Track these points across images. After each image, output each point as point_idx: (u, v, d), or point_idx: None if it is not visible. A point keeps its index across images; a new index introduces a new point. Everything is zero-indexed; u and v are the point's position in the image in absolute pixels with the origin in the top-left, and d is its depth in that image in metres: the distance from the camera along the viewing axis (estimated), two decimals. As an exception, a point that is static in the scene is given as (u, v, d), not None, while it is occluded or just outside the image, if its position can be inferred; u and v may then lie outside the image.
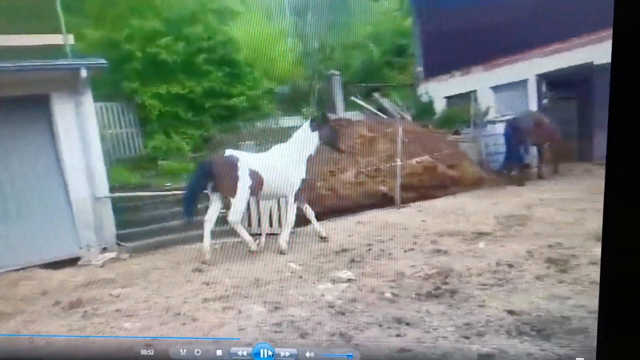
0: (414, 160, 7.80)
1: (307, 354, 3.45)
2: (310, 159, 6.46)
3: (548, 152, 8.03)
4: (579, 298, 4.01)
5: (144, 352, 3.67)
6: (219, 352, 3.54)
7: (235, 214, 6.15)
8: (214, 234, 6.17)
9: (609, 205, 2.78)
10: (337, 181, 7.47)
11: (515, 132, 8.01)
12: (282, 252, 6.02)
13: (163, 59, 8.35)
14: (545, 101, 8.56)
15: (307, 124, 6.56)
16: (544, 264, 4.75)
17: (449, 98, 9.68)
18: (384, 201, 7.21)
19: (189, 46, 8.59)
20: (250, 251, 6.13)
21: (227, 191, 6.17)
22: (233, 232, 6.41)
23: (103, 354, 3.93)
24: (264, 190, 6.30)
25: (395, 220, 6.69)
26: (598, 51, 7.68)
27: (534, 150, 8.13)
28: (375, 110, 9.48)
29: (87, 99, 6.76)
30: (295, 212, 6.32)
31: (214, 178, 6.21)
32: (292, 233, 6.31)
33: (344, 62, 10.17)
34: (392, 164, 7.62)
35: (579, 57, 7.88)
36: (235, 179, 6.15)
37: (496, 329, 3.73)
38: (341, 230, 6.57)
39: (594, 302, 3.84)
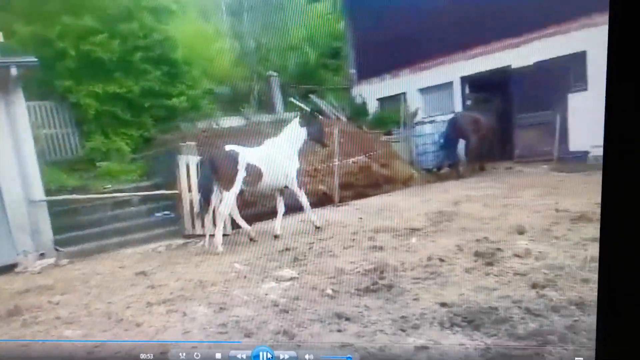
0: (350, 160, 7.97)
1: (307, 357, 3.49)
2: (300, 152, 6.82)
3: (473, 151, 8.44)
4: (505, 289, 4.22)
5: (143, 355, 3.64)
6: (218, 355, 3.53)
7: (227, 207, 6.36)
8: (161, 237, 6.12)
9: (606, 203, 2.73)
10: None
11: (442, 133, 8.36)
12: (276, 237, 6.42)
13: (98, 56, 8.07)
14: (468, 102, 8.98)
15: (296, 120, 6.87)
16: (472, 257, 4.94)
17: (381, 100, 9.93)
18: (324, 200, 7.35)
19: (125, 44, 8.33)
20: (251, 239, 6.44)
21: (225, 184, 6.36)
22: (178, 234, 6.40)
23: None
24: (263, 182, 6.55)
25: (335, 219, 6.82)
26: (514, 55, 8.20)
27: (459, 149, 8.52)
28: (312, 111, 9.61)
29: (18, 98, 6.46)
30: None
31: (216, 172, 6.41)
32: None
33: (281, 64, 10.20)
34: (330, 164, 7.77)
35: (498, 61, 8.35)
36: (234, 173, 6.36)
37: (430, 321, 3.88)
38: (283, 228, 6.62)
39: (518, 293, 4.15)
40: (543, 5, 7.42)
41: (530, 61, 8.04)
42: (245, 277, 5.15)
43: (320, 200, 7.36)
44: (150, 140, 8.59)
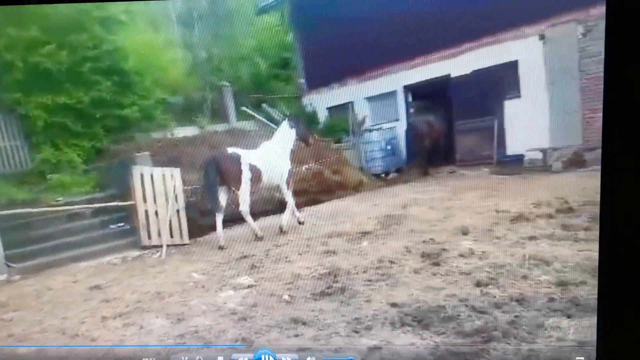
0: (302, 167, 8.04)
1: (309, 359, 3.52)
2: (292, 153, 7.24)
3: (418, 156, 8.68)
4: (451, 288, 4.37)
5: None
6: (220, 359, 3.54)
7: (244, 204, 6.71)
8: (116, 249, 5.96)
9: (605, 203, 2.78)
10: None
11: (388, 139, 8.56)
12: (282, 231, 6.74)
13: (46, 68, 7.78)
14: (412, 110, 9.24)
15: (285, 122, 7.35)
16: (420, 258, 5.08)
17: (330, 109, 10.06)
18: (279, 207, 7.37)
19: (74, 55, 8.07)
20: (257, 237, 6.59)
21: (233, 184, 6.75)
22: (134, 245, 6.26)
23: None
24: (263, 181, 6.94)
25: (290, 225, 6.83)
26: (454, 64, 8.52)
27: (405, 155, 8.75)
28: (265, 120, 9.59)
29: (-37, 111, 6.16)
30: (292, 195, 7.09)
31: (220, 173, 6.71)
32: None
33: (233, 74, 10.15)
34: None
35: (438, 70, 8.64)
36: (239, 173, 6.73)
37: (382, 321, 4.00)
38: (241, 237, 6.61)
39: (464, 291, 4.32)
40: (478, 17, 7.74)
41: (468, 70, 8.37)
42: (203, 286, 5.09)
43: (275, 207, 7.37)
44: (103, 151, 8.33)
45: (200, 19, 10.00)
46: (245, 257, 5.84)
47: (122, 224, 6.81)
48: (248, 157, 6.84)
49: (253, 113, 9.61)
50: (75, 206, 6.92)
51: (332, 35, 8.46)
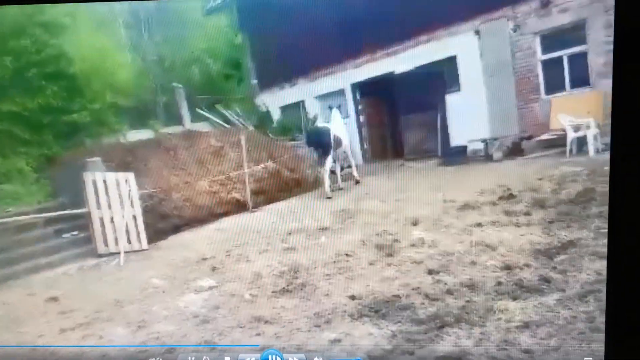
0: (259, 167, 7.92)
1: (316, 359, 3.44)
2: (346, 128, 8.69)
3: (369, 151, 8.78)
4: (404, 277, 4.43)
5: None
6: (227, 359, 3.48)
7: (329, 164, 7.84)
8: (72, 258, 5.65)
9: (614, 206, 2.66)
10: (193, 191, 7.28)
11: (313, 141, 8.58)
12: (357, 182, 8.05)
13: (-10, 75, 7.29)
14: (360, 107, 9.30)
15: (336, 110, 8.70)
16: (375, 250, 5.11)
17: (283, 108, 9.96)
18: (238, 207, 7.23)
19: (18, 61, 7.58)
20: (327, 197, 7.51)
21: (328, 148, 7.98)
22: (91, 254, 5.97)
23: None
24: (341, 148, 8.30)
25: (250, 224, 6.71)
26: (397, 62, 8.63)
27: (357, 150, 8.82)
28: (220, 121, 9.39)
29: None
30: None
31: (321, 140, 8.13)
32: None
33: (185, 75, 9.87)
34: (241, 171, 7.66)
35: (383, 67, 8.72)
36: (329, 141, 8.06)
37: (341, 314, 4.02)
38: (201, 239, 6.42)
39: (416, 280, 4.38)
40: (417, 14, 7.86)
41: (411, 66, 8.49)
42: (164, 291, 4.93)
43: (234, 207, 7.24)
44: (54, 158, 7.89)
45: (148, 21, 9.65)
46: (205, 259, 5.67)
47: (76, 233, 6.45)
48: (333, 129, 8.25)
49: (208, 114, 9.39)
50: (27, 216, 6.51)
51: (280, 35, 8.39)
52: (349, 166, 8.37)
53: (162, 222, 6.62)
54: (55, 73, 7.98)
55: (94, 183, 6.54)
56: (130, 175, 6.77)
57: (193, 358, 3.55)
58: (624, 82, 2.69)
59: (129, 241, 6.38)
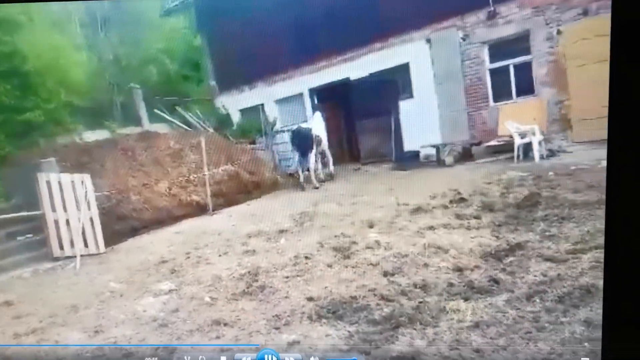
0: (219, 169, 7.78)
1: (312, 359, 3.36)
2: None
3: (326, 155, 8.82)
4: (361, 279, 4.41)
5: (148, 359, 3.43)
6: (223, 358, 3.39)
7: (312, 160, 8.23)
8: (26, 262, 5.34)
9: (610, 208, 2.62)
10: (151, 194, 7.05)
11: (297, 140, 8.59)
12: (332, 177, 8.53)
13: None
14: (317, 112, 9.35)
15: (318, 112, 8.99)
16: (332, 252, 5.08)
17: (242, 111, 9.85)
18: (198, 209, 7.09)
19: (-32, 58, 7.16)
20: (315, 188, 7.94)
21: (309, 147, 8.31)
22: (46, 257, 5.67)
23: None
24: (320, 146, 8.59)
25: (210, 227, 6.55)
26: (352, 68, 8.71)
27: (314, 154, 8.86)
28: (179, 123, 9.17)
29: None
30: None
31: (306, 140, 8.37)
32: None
33: (142, 76, 9.57)
34: (201, 174, 7.50)
35: (338, 73, 8.77)
36: (311, 140, 8.35)
37: (300, 316, 3.99)
38: (160, 241, 6.23)
39: (372, 281, 4.40)
40: (370, 22, 7.95)
41: (365, 73, 8.57)
42: (122, 295, 4.74)
43: (194, 210, 7.08)
44: (7, 159, 7.47)
45: (104, 20, 9.30)
46: (164, 261, 5.50)
47: (30, 235, 6.13)
48: (314, 129, 8.56)
49: (166, 116, 9.14)
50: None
51: (239, 38, 8.29)
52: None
53: (119, 225, 6.41)
54: (8, 71, 7.65)
55: (49, 184, 6.24)
56: (87, 177, 6.52)
57: (189, 357, 3.45)
58: (620, 81, 2.60)
59: (86, 244, 6.13)
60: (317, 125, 8.83)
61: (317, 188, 8.04)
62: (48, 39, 8.39)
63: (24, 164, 7.03)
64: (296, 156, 8.46)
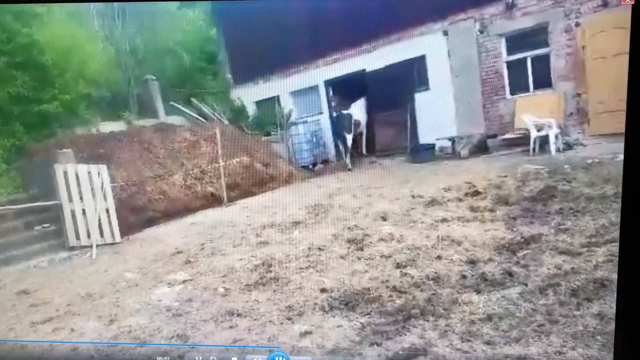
0: (234, 161, 7.82)
1: None
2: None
3: (342, 148, 8.82)
4: (373, 271, 4.43)
5: (159, 358, 3.46)
6: (234, 359, 3.40)
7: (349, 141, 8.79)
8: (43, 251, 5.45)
9: (627, 202, 2.56)
10: (167, 185, 7.13)
11: (313, 132, 8.60)
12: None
13: (-43, 64, 6.95)
14: (333, 104, 9.32)
15: (362, 100, 9.31)
16: (346, 244, 5.10)
17: (257, 103, 9.85)
18: (213, 201, 7.14)
19: (-14, 50, 7.27)
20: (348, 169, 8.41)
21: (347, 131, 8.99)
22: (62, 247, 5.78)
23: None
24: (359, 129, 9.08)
25: (224, 218, 6.60)
26: (368, 60, 8.65)
27: (331, 147, 8.86)
28: (195, 115, 9.21)
29: None
30: None
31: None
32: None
33: (158, 67, 9.63)
34: (216, 165, 7.55)
35: (354, 65, 8.72)
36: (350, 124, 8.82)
37: (312, 307, 4.02)
38: (175, 232, 6.29)
39: (385, 274, 4.40)
40: (388, 14, 7.87)
41: (382, 64, 8.52)
42: (137, 285, 4.83)
43: (209, 201, 7.14)
44: (24, 149, 7.60)
45: (122, 11, 9.37)
46: (179, 252, 5.58)
47: (47, 225, 6.26)
48: (353, 114, 8.90)
49: (182, 108, 9.19)
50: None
51: (254, 31, 8.27)
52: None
53: (135, 216, 6.50)
54: (26, 62, 7.72)
55: (65, 175, 6.36)
56: (103, 168, 6.62)
57: (200, 357, 3.51)
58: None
59: (101, 234, 6.24)
60: (357, 111, 9.12)
61: (350, 170, 8.35)
62: (66, 30, 8.48)
63: (42, 155, 7.16)
64: (310, 147, 8.55)
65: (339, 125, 9.06)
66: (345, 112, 8.99)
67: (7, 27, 7.52)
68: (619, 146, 6.07)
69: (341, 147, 8.96)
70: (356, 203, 6.29)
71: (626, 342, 2.73)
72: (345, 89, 9.16)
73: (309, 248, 5.13)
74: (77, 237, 6.11)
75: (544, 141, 7.11)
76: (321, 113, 9.31)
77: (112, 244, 5.98)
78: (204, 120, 9.07)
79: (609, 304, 3.24)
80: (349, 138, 8.80)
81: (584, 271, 3.73)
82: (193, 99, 9.48)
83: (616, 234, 4.12)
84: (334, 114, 9.32)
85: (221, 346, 3.64)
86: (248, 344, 3.66)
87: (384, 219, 5.67)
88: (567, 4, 7.26)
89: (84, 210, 6.25)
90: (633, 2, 2.67)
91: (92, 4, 9.41)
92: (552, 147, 6.96)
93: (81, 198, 6.32)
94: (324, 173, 8.16)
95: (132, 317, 4.16)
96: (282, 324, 3.85)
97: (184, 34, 9.88)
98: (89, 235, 6.14)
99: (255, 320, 3.92)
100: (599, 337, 3.00)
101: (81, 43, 8.77)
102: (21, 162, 7.40)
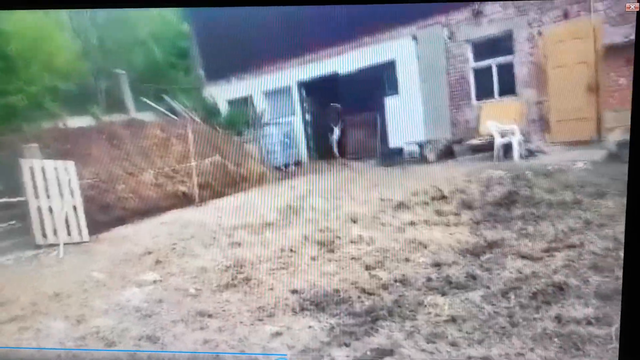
0: (206, 160, 7.73)
1: None
2: None
3: (313, 148, 8.84)
4: (344, 272, 4.51)
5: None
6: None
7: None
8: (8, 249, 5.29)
9: (632, 203, 2.57)
10: (137, 183, 6.98)
11: (285, 133, 8.58)
12: None
13: None
14: (306, 105, 9.31)
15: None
16: (317, 246, 5.14)
17: (230, 102, 9.74)
18: (184, 200, 7.04)
19: (-53, 38, 6.95)
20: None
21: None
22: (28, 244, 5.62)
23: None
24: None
25: (196, 218, 6.52)
26: (340, 62, 8.70)
27: (303, 148, 8.85)
28: (166, 112, 9.02)
29: None
30: None
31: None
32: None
33: (128, 61, 9.36)
34: (187, 164, 7.45)
35: (327, 67, 8.74)
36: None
37: (283, 308, 4.07)
38: (145, 232, 6.18)
39: (355, 275, 4.49)
40: (359, 17, 7.93)
41: (354, 68, 8.58)
42: (105, 285, 4.74)
43: (180, 200, 7.03)
44: (-13, 143, 7.30)
45: (91, 2, 9.05)
46: (149, 252, 5.49)
47: (13, 222, 6.04)
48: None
49: (153, 104, 8.99)
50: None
51: (227, 27, 8.17)
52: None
53: (104, 214, 6.34)
54: (-9, 52, 7.39)
55: (32, 170, 6.17)
56: (70, 164, 6.43)
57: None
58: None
59: (69, 232, 6.05)
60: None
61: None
62: (33, 20, 8.17)
63: (6, 149, 6.88)
64: (282, 149, 8.52)
65: (327, 118, 9.05)
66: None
67: (-32, 15, 7.19)
68: (578, 153, 6.35)
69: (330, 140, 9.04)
70: (327, 205, 6.31)
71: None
72: (318, 91, 9.18)
73: (281, 249, 5.14)
74: (44, 235, 5.92)
75: (507, 147, 7.34)
76: (293, 114, 9.29)
77: (80, 242, 5.82)
78: (176, 117, 8.91)
79: (566, 308, 3.41)
80: (337, 130, 8.99)
81: (543, 275, 3.90)
82: (164, 95, 9.28)
83: (574, 239, 4.34)
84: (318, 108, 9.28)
85: (225, 353, 3.63)
86: (218, 344, 3.67)
87: (354, 221, 5.74)
88: (531, 13, 7.49)
89: (50, 207, 6.07)
90: (638, 9, 2.77)
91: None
92: (515, 154, 7.19)
93: (48, 195, 6.12)
94: (295, 175, 8.15)
95: (100, 317, 4.12)
96: (252, 324, 3.88)
97: (155, 27, 9.64)
98: (55, 233, 5.96)
99: (226, 321, 3.94)
100: (556, 340, 3.16)
101: (48, 33, 8.46)
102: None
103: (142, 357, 3.66)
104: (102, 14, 9.05)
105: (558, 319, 3.33)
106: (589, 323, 3.21)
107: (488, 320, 3.49)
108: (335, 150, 9.06)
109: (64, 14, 9.17)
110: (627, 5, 2.90)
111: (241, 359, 3.56)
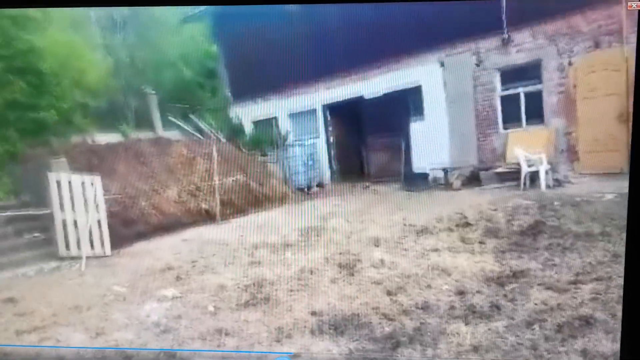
0: (230, 179, 7.87)
1: None
2: None
3: (336, 172, 8.91)
4: (364, 296, 4.49)
5: None
6: None
7: None
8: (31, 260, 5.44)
9: (632, 212, 2.56)
10: (161, 199, 7.16)
11: (309, 155, 8.70)
12: None
13: (-45, 67, 6.98)
14: (330, 128, 9.45)
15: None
16: (337, 268, 5.16)
17: (255, 122, 9.97)
18: (206, 218, 7.17)
19: (-16, 54, 7.30)
20: None
21: None
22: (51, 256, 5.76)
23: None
24: None
25: (217, 236, 6.64)
26: (366, 86, 8.84)
27: (326, 170, 8.94)
28: (192, 131, 9.28)
29: None
30: None
31: None
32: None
33: (157, 80, 9.69)
34: (211, 182, 7.61)
35: (352, 91, 8.90)
36: None
37: (301, 329, 4.07)
38: (167, 248, 6.31)
39: (376, 300, 4.47)
40: (385, 42, 8.08)
41: (379, 92, 8.71)
42: (125, 299, 4.83)
43: (203, 218, 7.16)
44: (17, 156, 7.59)
45: (123, 22, 9.47)
46: (170, 268, 5.58)
47: (38, 234, 6.24)
48: None
49: (180, 123, 9.26)
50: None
51: (255, 50, 8.43)
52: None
53: (127, 229, 6.50)
54: (24, 68, 7.72)
55: (59, 184, 6.37)
56: (97, 179, 6.63)
57: None
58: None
59: (92, 246, 6.23)
60: None
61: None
62: (65, 38, 8.53)
63: (35, 162, 7.16)
64: (305, 170, 8.64)
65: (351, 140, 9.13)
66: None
67: (5, 31, 7.56)
68: (606, 184, 6.27)
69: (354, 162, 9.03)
70: (349, 228, 6.37)
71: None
72: (343, 114, 9.31)
73: (301, 270, 5.17)
74: (67, 248, 6.10)
75: (534, 176, 7.29)
76: (317, 137, 9.43)
77: (102, 256, 5.97)
78: (201, 137, 9.14)
79: (593, 342, 3.34)
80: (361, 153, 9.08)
81: (569, 307, 3.83)
82: (191, 115, 9.56)
83: (602, 272, 4.27)
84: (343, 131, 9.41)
85: (230, 351, 3.68)
86: (235, 360, 3.69)
87: (376, 245, 5.76)
88: (561, 43, 7.53)
89: (75, 220, 6.25)
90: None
91: (92, 12, 9.51)
92: (542, 183, 7.14)
93: (73, 208, 6.32)
94: (318, 196, 8.20)
95: (119, 331, 4.17)
96: (270, 345, 3.89)
97: (185, 48, 9.98)
98: (79, 246, 6.13)
99: (244, 340, 3.95)
100: (582, 373, 3.10)
101: (81, 52, 8.81)
102: (14, 169, 7.39)
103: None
104: (133, 34, 9.45)
105: (584, 353, 3.27)
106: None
107: (511, 351, 3.44)
108: (359, 172, 9.08)
109: (96, 33, 9.60)
110: (629, 4, 2.94)
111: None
